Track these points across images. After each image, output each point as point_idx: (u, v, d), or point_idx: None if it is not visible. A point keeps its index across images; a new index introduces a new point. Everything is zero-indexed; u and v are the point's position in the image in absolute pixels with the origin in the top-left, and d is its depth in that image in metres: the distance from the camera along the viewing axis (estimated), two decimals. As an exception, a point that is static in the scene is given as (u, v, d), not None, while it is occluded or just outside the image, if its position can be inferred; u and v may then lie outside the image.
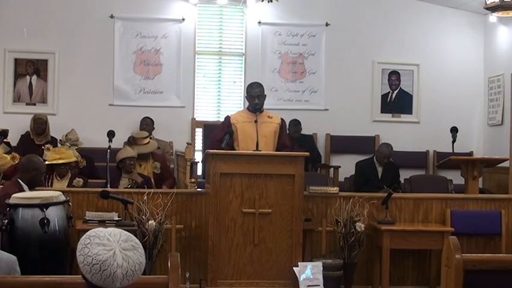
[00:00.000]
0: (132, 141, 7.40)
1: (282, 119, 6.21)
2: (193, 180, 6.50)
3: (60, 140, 7.90)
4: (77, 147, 7.46)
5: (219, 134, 6.01)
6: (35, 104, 8.78)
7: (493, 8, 8.17)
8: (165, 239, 5.94)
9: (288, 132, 6.74)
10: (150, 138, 7.69)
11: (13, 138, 8.18)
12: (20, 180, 5.39)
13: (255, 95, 6.04)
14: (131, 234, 2.38)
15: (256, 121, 5.89)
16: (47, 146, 7.42)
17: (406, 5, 9.43)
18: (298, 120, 8.68)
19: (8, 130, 7.92)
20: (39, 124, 8.25)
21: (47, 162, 6.65)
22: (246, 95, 6.22)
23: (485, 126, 9.32)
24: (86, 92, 8.83)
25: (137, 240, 2.36)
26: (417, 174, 8.70)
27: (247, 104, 8.95)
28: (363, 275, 6.35)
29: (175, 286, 2.94)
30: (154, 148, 7.42)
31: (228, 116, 6.27)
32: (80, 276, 2.36)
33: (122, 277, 2.26)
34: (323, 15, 9.28)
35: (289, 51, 9.23)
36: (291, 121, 8.50)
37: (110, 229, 2.35)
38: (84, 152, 7.66)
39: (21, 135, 8.32)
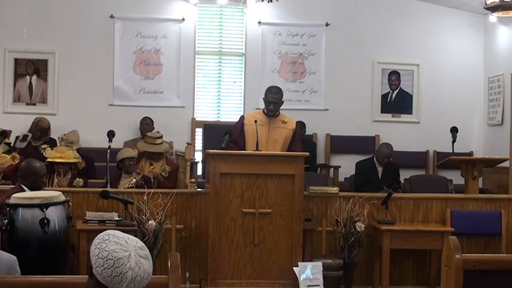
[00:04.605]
0: (145, 140, 7.36)
1: (297, 124, 6.20)
2: (193, 180, 6.50)
3: (58, 137, 7.89)
4: (71, 148, 7.43)
5: (234, 135, 6.00)
6: (35, 104, 8.78)
7: (493, 8, 8.17)
8: (165, 239, 5.94)
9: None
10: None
11: (11, 139, 8.16)
12: (22, 185, 5.38)
13: (272, 100, 6.03)
14: (145, 245, 2.42)
15: (256, 121, 5.90)
16: (44, 146, 7.40)
17: (406, 5, 9.43)
18: (304, 123, 8.58)
19: (10, 131, 7.89)
20: (40, 131, 8.18)
21: (47, 160, 6.65)
22: (263, 97, 6.18)
23: (485, 126, 9.32)
24: (86, 92, 8.83)
25: (149, 252, 2.41)
26: (417, 174, 8.71)
27: (247, 104, 9.15)
28: (363, 275, 6.35)
29: (175, 286, 2.94)
30: (165, 149, 7.37)
31: (242, 115, 6.29)
32: (80, 276, 2.36)
33: (130, 280, 2.29)
34: (323, 15, 9.28)
35: (289, 51, 9.23)
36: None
37: (128, 234, 2.40)
38: (84, 152, 7.64)
39: (16, 137, 8.26)
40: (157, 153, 7.13)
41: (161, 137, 7.40)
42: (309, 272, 5.44)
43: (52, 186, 6.47)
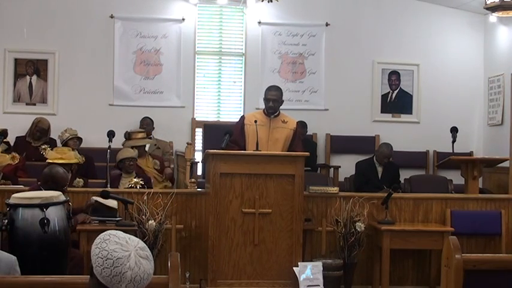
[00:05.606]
0: (127, 137, 7.50)
1: (297, 124, 6.19)
2: (193, 180, 6.50)
3: (59, 135, 7.89)
4: (75, 135, 7.58)
5: (235, 135, 5.99)
6: (35, 104, 8.78)
7: (493, 8, 8.17)
8: (165, 239, 5.94)
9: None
10: (150, 138, 7.81)
11: (11, 139, 8.15)
12: (42, 188, 5.37)
13: (271, 98, 6.03)
14: (146, 246, 2.41)
15: (256, 121, 5.89)
16: (44, 146, 7.40)
17: (406, 5, 9.43)
18: (305, 123, 8.58)
19: (7, 129, 7.89)
20: (40, 131, 8.20)
21: (48, 161, 6.65)
22: (263, 96, 6.18)
23: (485, 126, 9.32)
24: (86, 92, 8.83)
25: (150, 253, 2.41)
26: (417, 174, 8.70)
27: (247, 104, 9.15)
28: (363, 275, 6.35)
29: (175, 286, 2.94)
30: (148, 142, 7.50)
31: (243, 115, 6.29)
32: (80, 276, 2.36)
33: (129, 280, 2.28)
34: (323, 15, 9.28)
35: (289, 51, 9.23)
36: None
37: (129, 235, 2.40)
38: (84, 152, 7.63)
39: (17, 137, 8.27)
40: (144, 155, 7.36)
41: (142, 132, 7.58)
42: (309, 272, 5.44)
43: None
